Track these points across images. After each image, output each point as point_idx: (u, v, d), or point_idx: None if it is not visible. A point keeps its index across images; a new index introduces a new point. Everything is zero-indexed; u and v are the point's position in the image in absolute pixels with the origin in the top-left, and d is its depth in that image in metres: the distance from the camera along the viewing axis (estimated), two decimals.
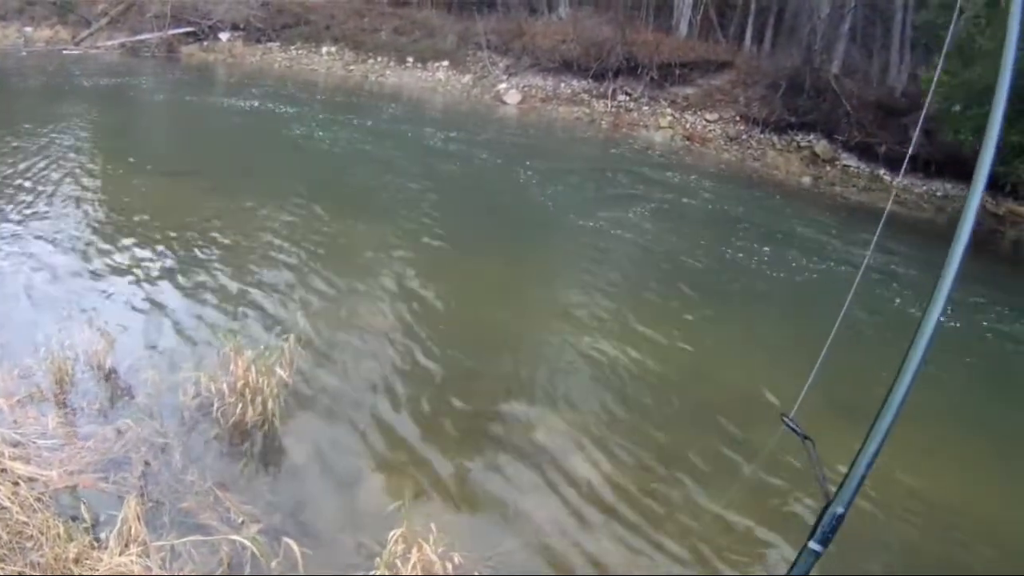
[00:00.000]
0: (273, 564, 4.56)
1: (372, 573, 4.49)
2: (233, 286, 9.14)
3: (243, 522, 4.95)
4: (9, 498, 4.60)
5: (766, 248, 13.82)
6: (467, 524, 5.47)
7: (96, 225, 10.84)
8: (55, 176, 13.05)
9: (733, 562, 5.49)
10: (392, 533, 4.62)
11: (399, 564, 4.48)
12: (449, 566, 4.55)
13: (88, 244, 10.01)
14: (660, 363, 8.61)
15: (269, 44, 32.32)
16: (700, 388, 8.15)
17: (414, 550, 4.50)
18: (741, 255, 13.35)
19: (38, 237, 10.12)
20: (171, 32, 31.61)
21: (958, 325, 11.08)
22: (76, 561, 4.14)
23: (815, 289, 12.17)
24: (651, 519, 5.80)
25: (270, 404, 6.20)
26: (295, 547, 4.55)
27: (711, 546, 5.58)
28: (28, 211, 11.15)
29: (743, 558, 5.57)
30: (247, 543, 4.54)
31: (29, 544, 4.28)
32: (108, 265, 9.42)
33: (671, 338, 9.34)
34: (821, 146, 24.23)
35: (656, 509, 5.94)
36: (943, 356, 9.08)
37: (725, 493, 6.07)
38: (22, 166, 13.42)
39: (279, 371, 6.41)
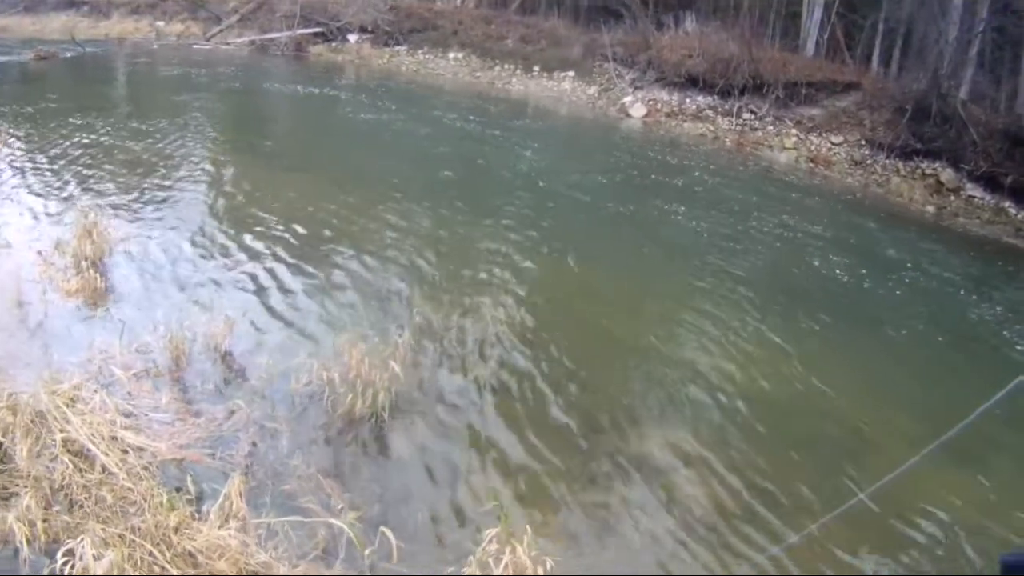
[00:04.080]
0: (367, 552, 4.54)
1: (464, 572, 4.43)
2: (352, 279, 9.20)
3: (342, 508, 4.94)
4: (117, 464, 4.71)
5: (894, 282, 13.19)
6: (565, 532, 5.35)
7: (223, 214, 11.12)
8: (182, 163, 13.53)
9: None
10: (487, 532, 4.57)
11: (491, 564, 4.42)
12: (540, 570, 4.45)
13: (213, 231, 10.26)
14: (776, 388, 8.26)
15: (396, 47, 32.74)
16: (814, 419, 7.74)
17: (507, 551, 4.43)
18: (867, 284, 12.75)
19: (165, 220, 10.46)
20: (300, 32, 32.36)
21: None
22: (176, 530, 4.19)
23: (950, 339, 11.13)
24: (754, 545, 5.57)
25: (381, 397, 6.23)
26: (391, 537, 4.52)
27: None
28: (157, 194, 11.54)
29: None
30: (345, 527, 4.53)
31: (132, 509, 4.37)
32: (230, 252, 9.62)
33: (791, 364, 8.91)
34: (946, 175, 23.08)
35: (759, 536, 5.69)
36: None
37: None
38: (154, 148, 14.07)
39: (393, 365, 6.43)
